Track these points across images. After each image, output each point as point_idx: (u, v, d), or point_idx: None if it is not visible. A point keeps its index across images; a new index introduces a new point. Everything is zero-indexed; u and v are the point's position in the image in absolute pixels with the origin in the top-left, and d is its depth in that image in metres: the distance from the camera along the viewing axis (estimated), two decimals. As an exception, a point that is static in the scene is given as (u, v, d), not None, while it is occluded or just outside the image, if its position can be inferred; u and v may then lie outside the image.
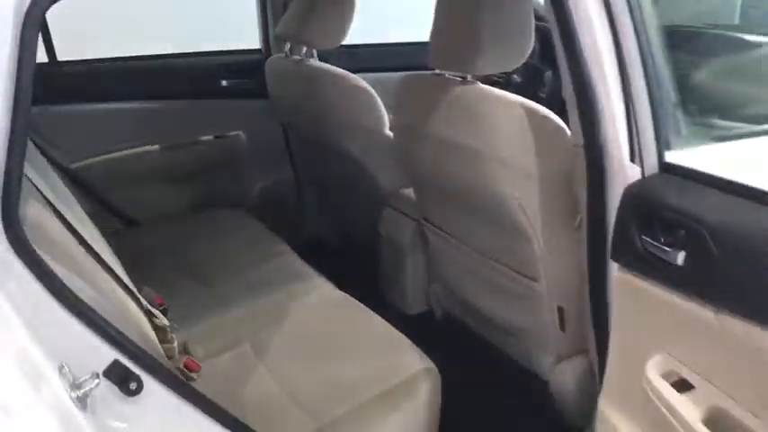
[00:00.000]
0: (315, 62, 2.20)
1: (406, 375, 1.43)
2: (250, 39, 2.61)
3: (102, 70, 2.32)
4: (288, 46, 2.25)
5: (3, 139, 0.83)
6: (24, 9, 0.84)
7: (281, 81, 2.30)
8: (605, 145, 1.18)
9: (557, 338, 1.56)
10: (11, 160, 0.83)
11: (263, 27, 2.54)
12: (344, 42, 2.09)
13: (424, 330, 1.65)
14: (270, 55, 2.48)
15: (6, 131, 0.83)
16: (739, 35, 2.23)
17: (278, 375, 1.48)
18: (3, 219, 0.83)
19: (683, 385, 1.05)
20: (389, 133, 2.03)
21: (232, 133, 2.50)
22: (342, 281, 1.82)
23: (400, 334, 1.56)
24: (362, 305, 1.68)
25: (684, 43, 2.20)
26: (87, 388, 0.87)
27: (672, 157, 1.10)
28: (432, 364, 1.46)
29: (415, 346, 1.51)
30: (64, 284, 0.88)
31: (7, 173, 0.83)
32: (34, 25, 0.84)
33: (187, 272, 1.90)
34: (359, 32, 2.14)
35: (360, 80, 2.03)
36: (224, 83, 2.49)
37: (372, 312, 1.65)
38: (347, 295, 1.74)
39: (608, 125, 1.17)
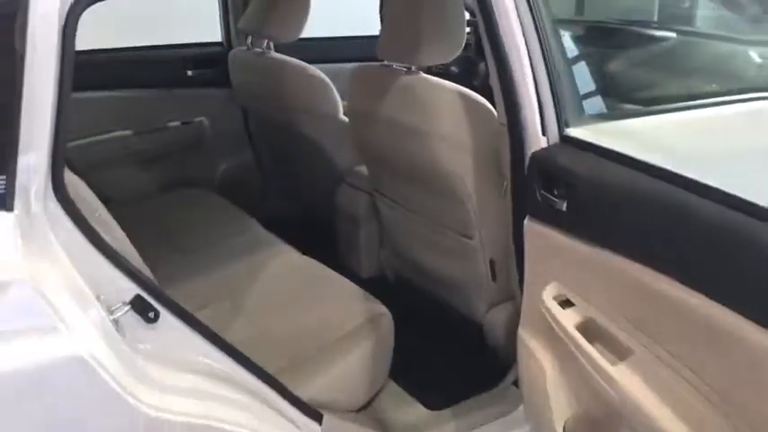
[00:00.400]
0: (275, 54, 2.40)
1: (363, 319, 1.67)
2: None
3: (76, 62, 2.48)
4: (249, 39, 2.47)
5: (52, 119, 1.04)
6: (67, 8, 1.01)
7: (243, 71, 2.51)
8: (524, 123, 1.43)
9: (489, 288, 1.82)
10: (57, 137, 1.05)
11: (225, 22, 2.73)
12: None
13: (378, 290, 1.85)
14: (231, 47, 2.68)
15: (54, 112, 1.04)
16: (647, 31, 2.55)
17: (254, 324, 1.70)
18: (53, 182, 1.05)
19: (567, 303, 1.34)
20: (343, 117, 2.25)
21: (197, 119, 2.69)
22: (302, 251, 2.02)
23: (358, 287, 1.80)
24: (324, 266, 1.92)
25: (600, 37, 2.52)
26: (119, 314, 1.10)
27: (573, 131, 1.39)
28: (385, 310, 1.71)
29: (371, 296, 1.75)
30: (97, 233, 1.11)
31: (54, 147, 1.05)
32: (74, 22, 1.02)
33: (163, 244, 2.06)
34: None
35: (316, 70, 2.23)
36: (189, 73, 2.68)
37: (333, 271, 1.89)
38: (311, 259, 1.97)
39: (525, 107, 1.42)
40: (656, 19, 2.68)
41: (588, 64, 1.92)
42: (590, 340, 1.27)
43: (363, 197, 2.26)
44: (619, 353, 1.24)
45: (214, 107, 2.71)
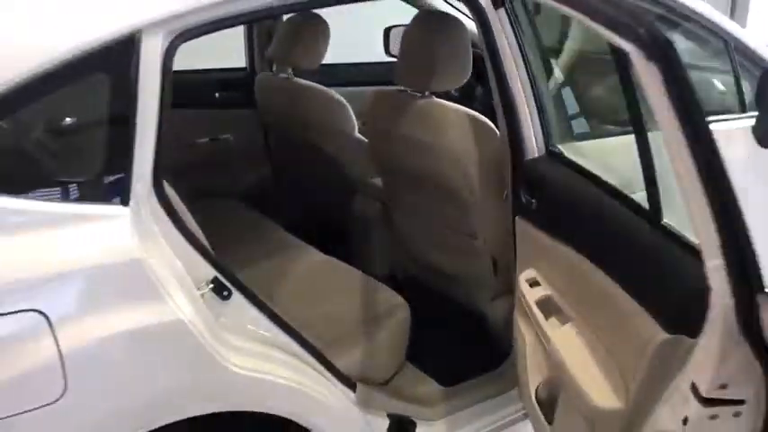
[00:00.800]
0: (298, 79, 2.66)
1: (384, 307, 1.94)
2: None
3: None
4: (275, 66, 2.76)
5: (155, 132, 1.31)
6: (167, 44, 1.27)
7: (269, 94, 2.78)
8: (521, 139, 1.72)
9: (492, 282, 2.07)
10: (158, 146, 1.32)
11: (250, 50, 3.03)
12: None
13: (391, 287, 2.08)
14: (254, 73, 2.97)
15: (156, 131, 1.31)
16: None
17: (286, 314, 1.96)
18: (154, 184, 1.33)
19: (536, 284, 1.65)
20: (359, 135, 2.51)
21: (223, 136, 2.96)
22: None
23: (376, 281, 2.07)
24: (346, 264, 2.18)
25: (585, 67, 2.81)
26: (204, 291, 1.38)
27: (559, 147, 1.69)
28: (403, 301, 1.97)
29: (389, 288, 2.02)
30: (187, 227, 1.38)
31: (156, 155, 1.32)
32: (172, 54, 1.28)
33: None
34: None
35: (335, 93, 2.50)
36: (217, 95, 2.97)
37: (353, 268, 2.15)
38: (332, 258, 2.23)
39: (523, 127, 1.72)
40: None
41: (576, 90, 2.21)
42: (548, 313, 1.58)
43: (377, 205, 2.51)
44: (563, 321, 1.56)
45: (238, 126, 2.98)
